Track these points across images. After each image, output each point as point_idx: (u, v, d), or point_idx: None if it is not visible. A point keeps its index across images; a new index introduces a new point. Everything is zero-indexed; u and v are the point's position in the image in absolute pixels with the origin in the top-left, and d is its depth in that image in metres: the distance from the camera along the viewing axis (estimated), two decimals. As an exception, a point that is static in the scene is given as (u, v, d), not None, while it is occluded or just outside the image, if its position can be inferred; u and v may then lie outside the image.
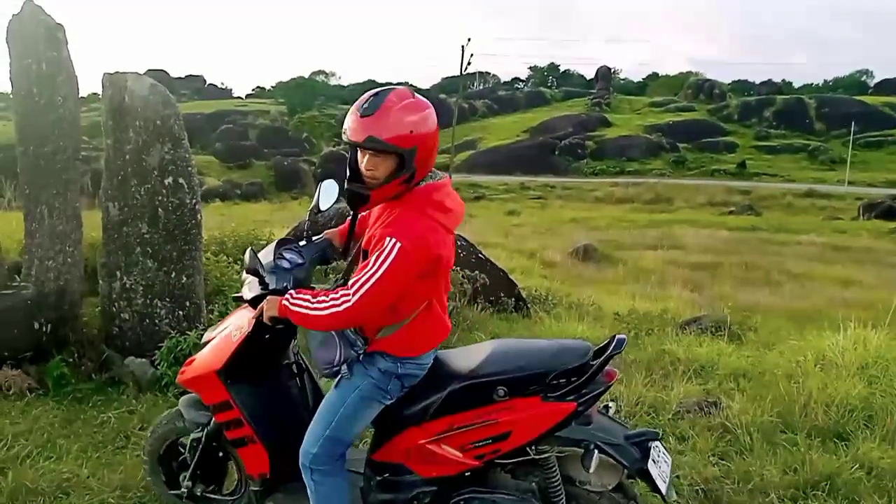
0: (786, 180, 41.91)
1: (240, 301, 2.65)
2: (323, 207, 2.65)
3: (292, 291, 2.29)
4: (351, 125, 2.17)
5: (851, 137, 48.35)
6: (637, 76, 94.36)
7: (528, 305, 7.23)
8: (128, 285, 4.66)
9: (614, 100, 67.98)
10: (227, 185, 32.75)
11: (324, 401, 2.44)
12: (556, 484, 2.34)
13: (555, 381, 2.28)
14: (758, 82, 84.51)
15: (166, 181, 4.59)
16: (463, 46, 31.22)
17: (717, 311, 7.36)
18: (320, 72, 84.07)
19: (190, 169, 4.76)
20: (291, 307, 2.22)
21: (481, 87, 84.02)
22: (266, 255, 2.54)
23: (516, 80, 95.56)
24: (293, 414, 2.73)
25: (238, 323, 2.62)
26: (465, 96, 68.60)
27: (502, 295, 6.91)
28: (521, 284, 8.05)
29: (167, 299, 4.67)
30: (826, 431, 3.88)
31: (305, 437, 2.41)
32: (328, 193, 2.66)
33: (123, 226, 4.63)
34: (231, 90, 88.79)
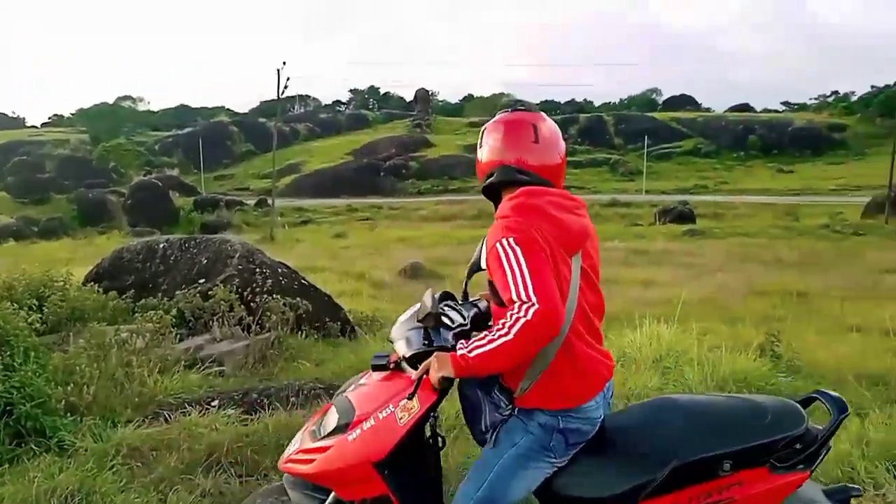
0: (592, 192, 45.12)
1: (381, 368, 2.25)
2: (483, 264, 2.35)
3: (462, 341, 2.02)
4: None
5: (645, 150, 53.32)
6: (454, 98, 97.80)
7: (356, 328, 7.19)
8: None
9: (434, 121, 69.94)
10: (21, 221, 29.61)
11: (477, 459, 2.17)
12: None
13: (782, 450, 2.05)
14: (563, 102, 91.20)
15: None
16: (279, 70, 30.68)
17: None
18: (126, 97, 78.92)
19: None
20: (471, 354, 1.93)
21: (302, 111, 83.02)
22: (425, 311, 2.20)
23: (337, 102, 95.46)
24: (440, 498, 2.35)
25: (401, 400, 2.13)
26: (286, 119, 67.46)
27: (328, 320, 6.82)
28: (349, 307, 8.00)
29: (-63, 356, 4.10)
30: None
31: (454, 499, 2.12)
32: None
33: None
34: (24, 119, 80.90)
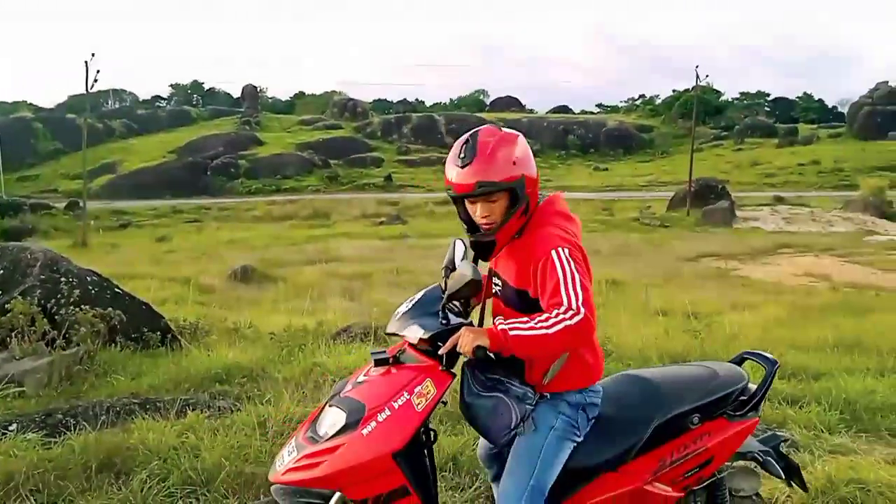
0: (427, 190, 46.02)
1: (383, 362, 2.26)
2: (458, 265, 2.42)
3: (500, 317, 2.22)
4: (456, 178, 2.18)
5: (476, 149, 55.15)
6: (284, 95, 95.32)
7: (178, 337, 6.80)
8: None
9: (264, 118, 67.88)
10: None
11: (515, 450, 2.25)
12: (724, 499, 2.47)
13: (733, 402, 2.43)
14: (395, 101, 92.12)
15: None
16: (87, 62, 28.27)
17: (369, 317, 7.75)
18: None
19: None
20: (511, 331, 2.05)
21: (117, 106, 77.04)
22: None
23: (157, 98, 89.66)
24: (435, 487, 2.34)
25: (416, 386, 2.16)
26: (99, 115, 62.55)
27: (146, 330, 6.38)
28: (172, 315, 7.57)
29: None
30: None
31: (503, 494, 2.22)
32: (461, 250, 2.49)
33: None
34: None
